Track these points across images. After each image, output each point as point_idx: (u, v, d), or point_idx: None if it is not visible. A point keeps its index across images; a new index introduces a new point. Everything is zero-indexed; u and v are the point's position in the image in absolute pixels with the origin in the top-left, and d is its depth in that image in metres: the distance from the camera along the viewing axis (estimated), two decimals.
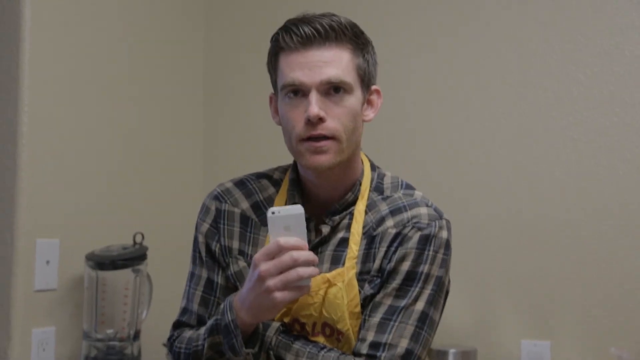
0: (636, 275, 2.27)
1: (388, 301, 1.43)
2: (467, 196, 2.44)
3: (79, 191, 2.43)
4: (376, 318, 1.41)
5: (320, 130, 1.39)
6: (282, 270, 1.29)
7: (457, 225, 1.61)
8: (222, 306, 1.41)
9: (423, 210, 1.47)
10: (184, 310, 1.54)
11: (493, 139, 2.46)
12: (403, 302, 1.42)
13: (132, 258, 2.37)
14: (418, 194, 1.52)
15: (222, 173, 2.63)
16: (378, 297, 1.42)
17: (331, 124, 1.40)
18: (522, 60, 2.37)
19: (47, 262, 2.29)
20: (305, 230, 1.31)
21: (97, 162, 2.51)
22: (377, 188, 1.51)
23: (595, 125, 2.31)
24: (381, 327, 1.41)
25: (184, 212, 2.68)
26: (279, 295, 1.29)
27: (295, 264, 1.29)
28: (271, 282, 1.30)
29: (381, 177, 1.54)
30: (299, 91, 1.41)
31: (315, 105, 1.38)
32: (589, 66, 2.27)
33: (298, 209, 1.30)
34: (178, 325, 1.54)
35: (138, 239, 2.40)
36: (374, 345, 1.39)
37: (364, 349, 1.40)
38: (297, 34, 1.40)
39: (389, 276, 1.43)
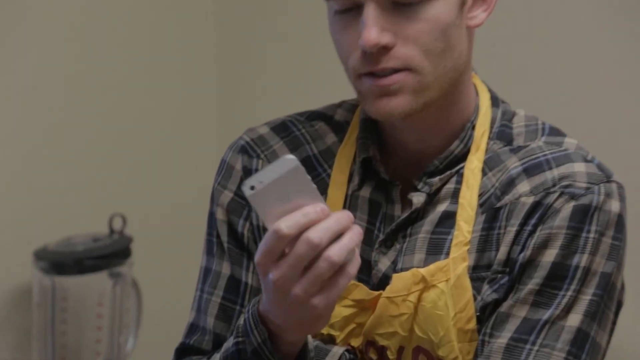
0: None
1: (522, 312, 1.21)
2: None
3: (18, 158, 2.24)
4: (503, 339, 1.19)
5: (385, 63, 1.18)
6: (304, 268, 1.09)
7: (631, 191, 1.30)
8: (241, 321, 1.24)
9: (579, 167, 1.25)
10: (193, 328, 1.33)
11: None
12: (547, 314, 1.20)
13: (108, 255, 2.17)
14: (570, 142, 1.27)
15: (244, 120, 2.17)
16: (506, 306, 1.21)
17: (402, 51, 1.17)
18: None
19: None
20: (313, 186, 1.08)
21: (48, 111, 2.29)
22: (502, 134, 1.29)
23: None
24: (511, 353, 1.20)
25: (188, 180, 2.47)
26: (318, 301, 1.09)
27: (317, 249, 1.06)
28: (298, 290, 1.10)
29: (509, 117, 1.32)
30: (352, 5, 1.21)
31: (372, 26, 1.16)
32: None
33: (287, 162, 1.06)
34: (183, 351, 1.34)
35: (117, 224, 2.19)
36: None
37: None
38: None
39: (524, 272, 1.21)
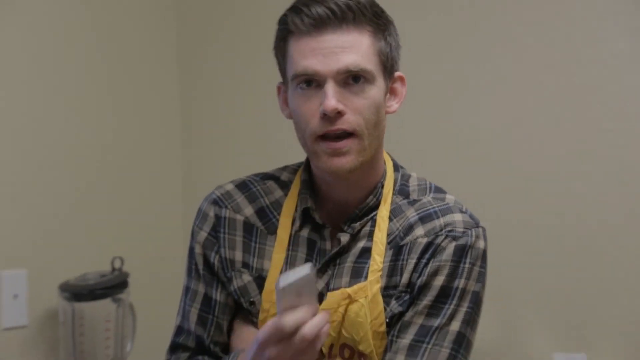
0: None
1: (419, 320, 1.44)
2: (488, 200, 2.32)
3: (46, 215, 2.45)
4: (406, 340, 1.43)
5: (339, 125, 1.40)
6: (294, 352, 1.31)
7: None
8: None
9: (457, 217, 1.48)
10: (180, 330, 1.56)
11: (515, 138, 2.41)
12: (437, 322, 1.43)
13: (112, 286, 2.39)
14: (450, 197, 1.53)
15: (203, 186, 2.50)
16: (408, 316, 1.44)
17: (351, 118, 1.41)
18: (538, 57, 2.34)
19: (15, 296, 2.31)
20: (316, 289, 1.32)
21: (65, 180, 2.54)
22: (402, 191, 1.53)
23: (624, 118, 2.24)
24: (412, 350, 1.41)
25: (165, 231, 2.81)
26: None
27: (309, 341, 1.30)
28: None
29: (406, 178, 1.56)
30: (312, 81, 1.41)
31: (332, 97, 1.37)
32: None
33: (307, 269, 1.27)
34: (174, 347, 1.56)
35: (117, 264, 2.43)
36: None
37: None
38: (309, 15, 1.40)
39: (421, 292, 1.44)
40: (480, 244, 1.47)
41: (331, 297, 1.43)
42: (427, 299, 1.43)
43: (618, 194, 2.26)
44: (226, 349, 1.56)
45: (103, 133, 2.65)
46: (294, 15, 1.42)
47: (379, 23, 1.44)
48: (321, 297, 1.46)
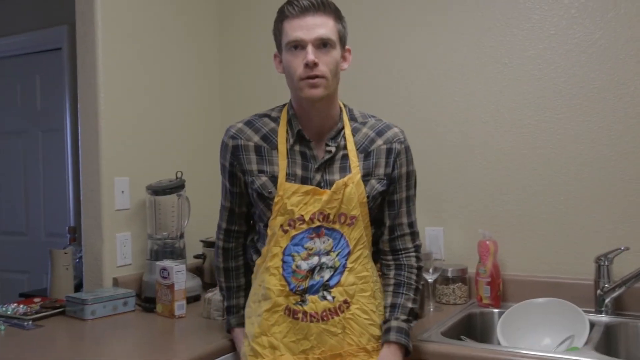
0: (498, 180, 2.67)
1: (404, 195, 1.78)
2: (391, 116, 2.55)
3: (140, 147, 2.92)
4: (404, 208, 1.80)
5: (315, 72, 1.65)
6: None
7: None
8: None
9: (396, 129, 1.79)
10: (223, 206, 1.91)
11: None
12: (411, 192, 1.82)
13: (176, 187, 2.83)
14: (382, 119, 1.83)
15: (228, 119, 3.02)
16: (399, 195, 1.77)
17: (322, 68, 1.66)
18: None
19: (122, 192, 2.78)
20: None
21: (151, 126, 3.00)
22: (352, 117, 1.80)
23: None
24: (408, 212, 1.82)
25: (207, 158, 3.23)
26: None
27: None
28: None
29: (350, 109, 1.82)
30: (298, 45, 1.65)
31: (311, 54, 1.64)
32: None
33: None
34: (221, 209, 1.92)
35: (179, 175, 2.87)
36: (410, 225, 1.82)
37: (407, 229, 1.79)
38: (298, 5, 1.65)
39: (399, 179, 1.76)
40: (408, 143, 1.81)
41: (336, 185, 1.67)
42: (404, 182, 1.77)
43: (465, 99, 2.61)
44: (241, 215, 1.84)
45: (174, 103, 3.02)
46: (288, 6, 1.66)
47: (338, 14, 1.69)
48: (319, 185, 1.70)
